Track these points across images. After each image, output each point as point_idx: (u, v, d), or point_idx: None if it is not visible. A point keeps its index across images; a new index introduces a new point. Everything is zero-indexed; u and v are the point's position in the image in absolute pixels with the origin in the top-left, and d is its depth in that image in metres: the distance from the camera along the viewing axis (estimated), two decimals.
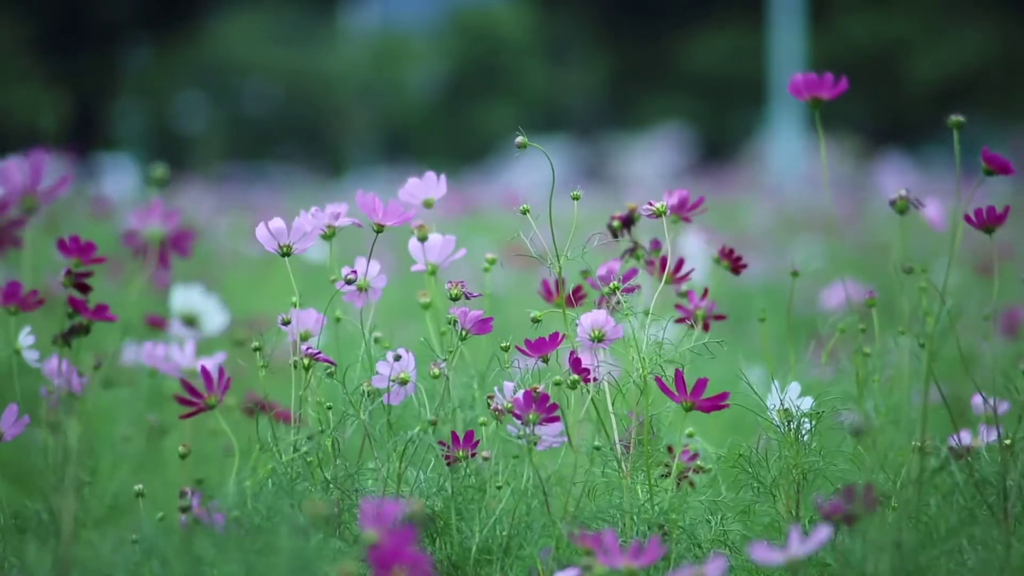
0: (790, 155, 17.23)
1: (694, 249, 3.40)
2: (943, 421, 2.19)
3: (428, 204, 1.89)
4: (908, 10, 25.57)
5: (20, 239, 1.56)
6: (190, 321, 2.63)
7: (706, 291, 1.94)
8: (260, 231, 1.77)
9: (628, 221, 1.96)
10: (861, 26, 25.44)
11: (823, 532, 1.46)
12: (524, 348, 1.72)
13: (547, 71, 27.74)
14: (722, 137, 22.45)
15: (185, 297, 2.64)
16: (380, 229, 1.79)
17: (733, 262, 1.95)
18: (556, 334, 1.72)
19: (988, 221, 1.76)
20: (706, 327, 1.91)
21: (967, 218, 1.75)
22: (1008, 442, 1.70)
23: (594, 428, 1.78)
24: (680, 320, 1.90)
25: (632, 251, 1.95)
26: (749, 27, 24.67)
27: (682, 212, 1.89)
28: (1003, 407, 1.77)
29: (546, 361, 1.72)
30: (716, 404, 1.70)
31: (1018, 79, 24.68)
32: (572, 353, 1.72)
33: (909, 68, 25.22)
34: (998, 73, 25.01)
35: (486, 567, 1.67)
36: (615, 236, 1.94)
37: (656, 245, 1.95)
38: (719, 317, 1.94)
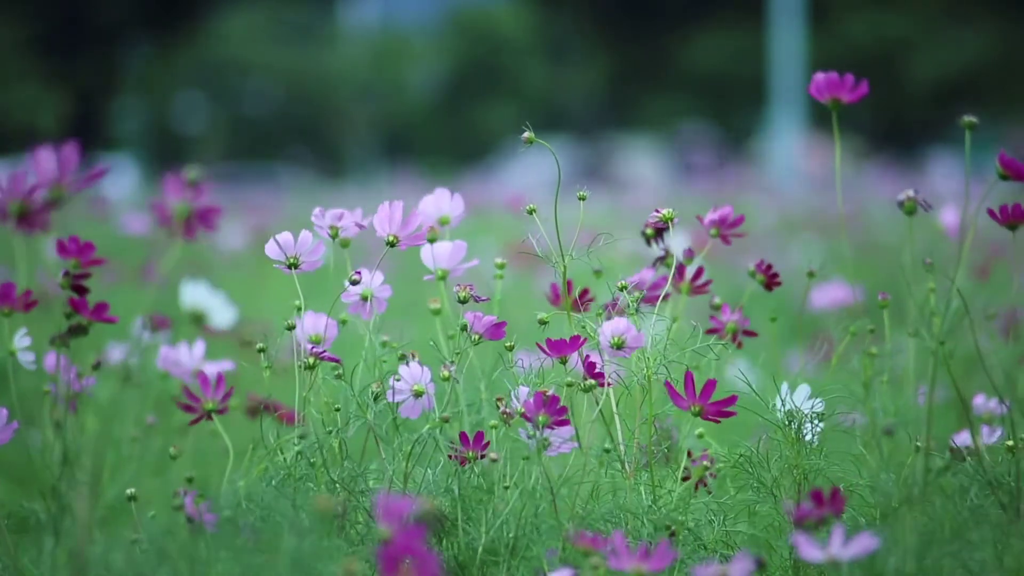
0: (790, 155, 17.24)
1: (678, 248, 3.37)
2: (947, 421, 2.18)
3: (444, 222, 1.89)
4: (908, 10, 25.58)
5: (48, 222, 1.56)
6: (198, 318, 2.63)
7: (741, 306, 1.93)
8: (269, 246, 1.75)
9: (661, 229, 1.92)
10: (861, 26, 25.45)
11: (868, 540, 1.46)
12: (544, 348, 1.71)
13: (547, 71, 27.76)
14: (722, 137, 22.45)
15: (192, 294, 2.65)
16: (394, 242, 1.77)
17: (769, 277, 1.94)
18: (576, 336, 1.72)
19: (1013, 217, 1.75)
20: (738, 342, 1.91)
21: (991, 213, 1.74)
22: (1010, 443, 1.69)
23: (602, 429, 1.78)
24: (711, 331, 1.89)
25: (663, 259, 1.92)
26: (749, 27, 24.68)
27: (722, 228, 1.90)
28: (1006, 407, 1.76)
29: (563, 362, 1.71)
30: (722, 411, 1.69)
31: (1018, 79, 24.69)
32: (588, 357, 1.71)
33: (909, 68, 25.23)
34: (998, 73, 25.02)
35: (492, 568, 1.66)
36: (648, 244, 1.93)
37: (690, 254, 1.93)
38: (750, 333, 1.92)
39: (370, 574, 1.59)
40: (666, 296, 1.79)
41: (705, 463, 1.82)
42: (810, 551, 1.47)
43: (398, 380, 1.71)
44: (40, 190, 1.53)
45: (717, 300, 1.91)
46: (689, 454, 1.78)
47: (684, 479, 1.75)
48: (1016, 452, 1.69)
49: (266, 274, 5.66)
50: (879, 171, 12.86)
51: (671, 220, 1.81)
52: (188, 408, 1.75)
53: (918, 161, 16.38)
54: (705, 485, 1.80)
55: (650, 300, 1.82)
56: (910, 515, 1.62)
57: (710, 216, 1.90)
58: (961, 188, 1.80)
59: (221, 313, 2.67)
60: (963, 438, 1.78)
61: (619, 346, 1.72)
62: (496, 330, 1.74)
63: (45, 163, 1.52)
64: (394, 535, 1.33)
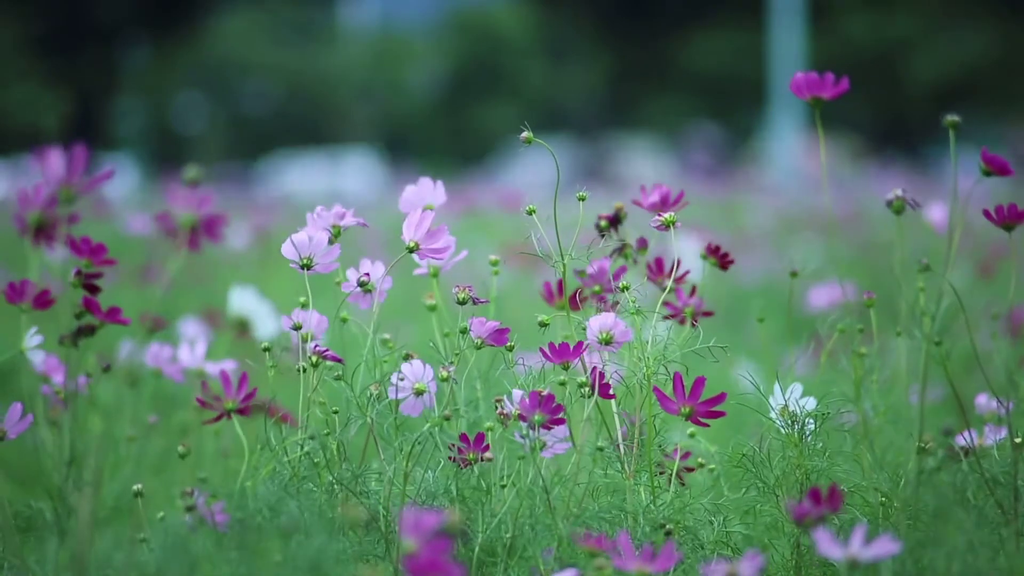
0: (790, 155, 17.24)
1: (689, 250, 3.40)
2: (943, 420, 2.19)
3: (427, 209, 1.88)
4: (908, 10, 25.57)
5: (59, 236, 1.57)
6: (242, 325, 2.62)
7: (694, 288, 1.94)
8: (285, 247, 1.75)
9: (615, 220, 1.96)
10: (861, 26, 25.44)
11: (889, 543, 1.46)
12: (547, 354, 1.71)
13: (547, 71, 27.74)
14: (723, 137, 22.45)
15: (239, 301, 2.63)
16: (415, 248, 1.77)
17: (720, 259, 1.96)
18: (580, 343, 1.72)
19: (1009, 218, 1.76)
20: (694, 323, 1.91)
21: (987, 214, 1.75)
22: (1018, 440, 1.69)
23: (596, 428, 1.78)
24: (669, 317, 1.90)
25: (620, 250, 1.96)
26: (749, 27, 24.66)
27: (664, 208, 1.89)
28: (1010, 406, 1.77)
29: (566, 368, 1.71)
30: (711, 411, 1.69)
31: (1018, 79, 24.68)
32: (595, 369, 1.71)
33: (909, 68, 25.22)
34: (998, 73, 25.01)
35: (490, 568, 1.67)
36: (602, 235, 1.94)
37: (643, 244, 1.96)
38: (707, 313, 1.94)
39: None
40: (628, 287, 1.78)
41: (693, 461, 1.83)
42: (830, 548, 1.47)
43: (401, 379, 1.71)
44: (51, 194, 1.54)
45: (668, 283, 1.90)
46: (662, 449, 1.78)
47: (660, 474, 1.75)
48: (1017, 451, 1.69)
49: (269, 274, 5.66)
50: (879, 170, 12.86)
51: (673, 224, 1.81)
52: (207, 406, 1.75)
53: (919, 160, 16.38)
54: (680, 479, 1.80)
55: (616, 290, 1.81)
56: (904, 514, 1.63)
57: (650, 198, 1.89)
58: (966, 186, 1.80)
59: (266, 321, 2.64)
60: (963, 438, 1.79)
61: (607, 341, 1.72)
62: (499, 336, 1.74)
63: (54, 165, 1.53)
64: (420, 548, 1.37)
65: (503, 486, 1.69)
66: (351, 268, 1.79)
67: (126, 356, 2.64)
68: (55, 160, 1.52)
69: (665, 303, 1.91)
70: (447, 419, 1.70)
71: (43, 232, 1.57)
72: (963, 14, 25.53)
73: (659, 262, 1.94)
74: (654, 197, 1.88)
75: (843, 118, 21.76)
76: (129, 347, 2.58)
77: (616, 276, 1.85)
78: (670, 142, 22.22)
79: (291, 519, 1.54)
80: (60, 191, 1.53)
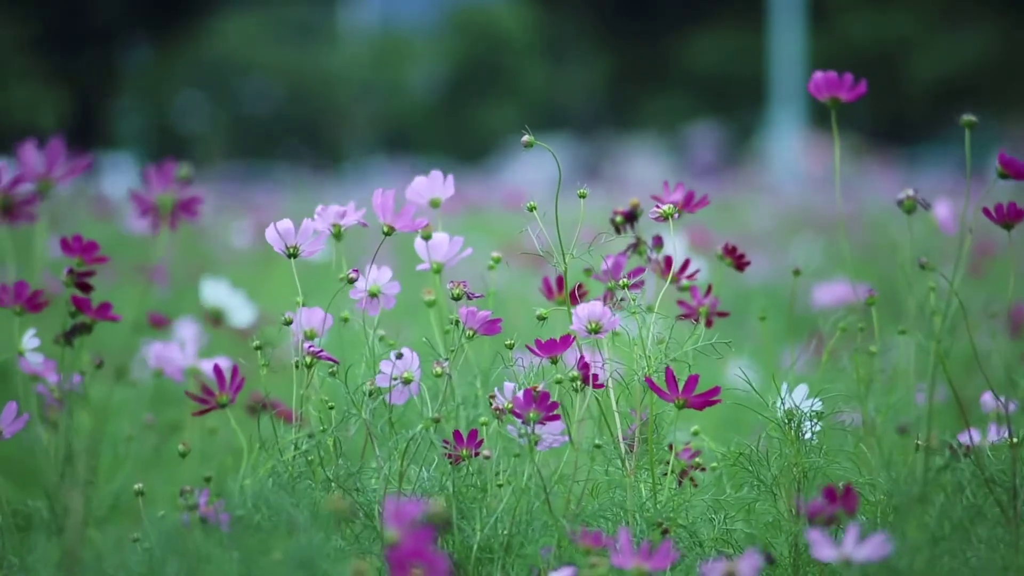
0: (790, 154, 17.23)
1: (679, 250, 3.37)
2: (946, 420, 2.19)
3: (435, 204, 1.87)
4: (908, 10, 25.56)
5: (35, 214, 1.59)
6: (217, 316, 2.66)
7: (710, 287, 1.92)
8: (269, 232, 1.75)
9: (631, 217, 1.94)
10: (861, 26, 25.44)
11: (881, 541, 1.45)
12: (534, 348, 1.71)
13: (547, 71, 27.74)
14: (725, 136, 22.44)
15: (212, 292, 2.67)
16: (390, 231, 1.77)
17: (736, 259, 1.94)
18: (567, 336, 1.71)
19: (1008, 217, 1.76)
20: (709, 323, 1.90)
21: (986, 212, 1.75)
22: (1016, 440, 1.69)
23: (596, 426, 1.78)
24: (683, 316, 1.89)
25: (635, 247, 1.94)
26: (749, 27, 24.66)
27: (687, 208, 1.88)
28: (1011, 406, 1.76)
29: (555, 362, 1.71)
30: (707, 400, 1.69)
31: (1018, 79, 24.68)
32: (581, 358, 1.70)
33: (909, 68, 25.22)
34: (998, 73, 25.01)
35: (487, 565, 1.67)
36: (618, 232, 1.93)
37: (658, 241, 1.94)
38: (722, 314, 1.93)
39: (376, 574, 1.59)
40: (642, 283, 1.78)
41: (697, 460, 1.83)
42: (824, 550, 1.46)
43: (381, 372, 1.71)
44: (25, 183, 1.57)
45: (685, 282, 1.89)
46: (671, 448, 1.78)
47: (666, 474, 1.75)
48: (1014, 450, 1.69)
49: (269, 272, 5.66)
50: (879, 170, 12.86)
51: (671, 215, 1.80)
52: (200, 400, 1.75)
53: (918, 160, 16.38)
54: (690, 479, 1.80)
55: (633, 287, 1.81)
56: (911, 513, 1.63)
57: (674, 195, 1.87)
58: (958, 186, 1.80)
59: (240, 312, 2.69)
60: (964, 437, 1.78)
61: (595, 331, 1.71)
62: (491, 326, 1.73)
63: (31, 158, 1.56)
64: (402, 538, 1.34)
65: (499, 485, 1.68)
66: (355, 269, 1.79)
67: (124, 355, 2.64)
68: (32, 154, 1.54)
69: (679, 302, 1.90)
70: (436, 422, 1.69)
71: (9, 212, 1.59)
72: (963, 14, 25.53)
73: (667, 260, 1.93)
74: (676, 195, 1.87)
75: (843, 117, 21.74)
76: (143, 347, 2.59)
77: (633, 274, 1.85)
78: (670, 142, 22.21)
79: (288, 517, 1.53)
80: (39, 183, 1.55)
